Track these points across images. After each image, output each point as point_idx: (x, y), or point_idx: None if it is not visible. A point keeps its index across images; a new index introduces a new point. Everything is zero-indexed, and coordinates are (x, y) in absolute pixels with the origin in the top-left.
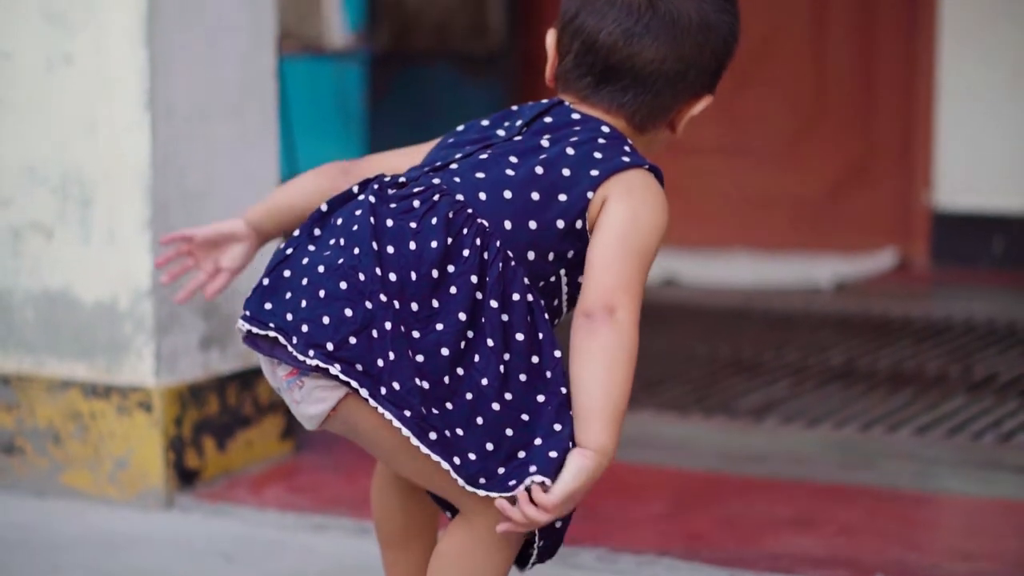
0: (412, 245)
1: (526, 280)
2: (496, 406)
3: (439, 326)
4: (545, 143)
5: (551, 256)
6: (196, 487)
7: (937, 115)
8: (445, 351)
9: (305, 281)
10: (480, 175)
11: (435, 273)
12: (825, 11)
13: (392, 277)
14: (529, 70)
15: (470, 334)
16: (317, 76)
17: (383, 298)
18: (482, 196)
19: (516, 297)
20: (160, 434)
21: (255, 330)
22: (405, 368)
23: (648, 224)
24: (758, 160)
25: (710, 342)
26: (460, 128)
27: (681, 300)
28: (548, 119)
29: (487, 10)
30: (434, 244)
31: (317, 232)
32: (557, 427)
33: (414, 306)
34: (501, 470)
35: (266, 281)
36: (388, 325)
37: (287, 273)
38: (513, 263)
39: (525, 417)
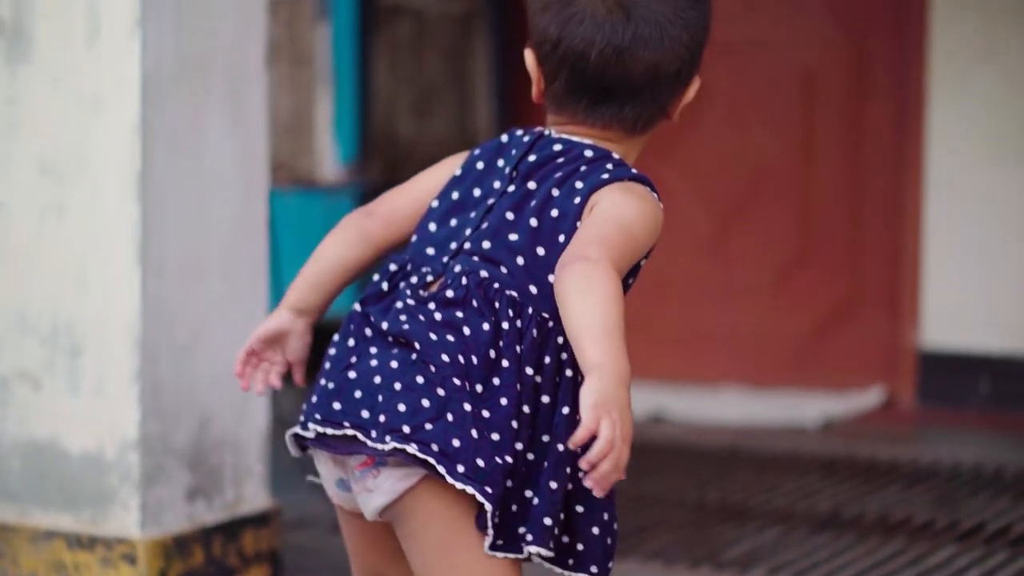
0: (466, 330)
1: (560, 339)
2: (523, 468)
3: (503, 400)
4: (532, 186)
5: (551, 278)
6: None
7: (924, 256)
8: (514, 423)
9: (378, 379)
10: (487, 245)
11: (492, 353)
12: (813, 152)
13: (460, 359)
14: None
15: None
16: (308, 209)
17: (456, 382)
18: (503, 269)
19: (547, 360)
20: None
21: (330, 431)
22: (487, 446)
23: (631, 206)
24: (746, 297)
25: (699, 486)
26: (458, 173)
27: (670, 438)
28: (532, 157)
29: (477, 143)
30: (486, 326)
31: (369, 332)
32: (553, 485)
33: (479, 388)
34: (521, 530)
35: (331, 385)
36: (467, 406)
37: (352, 375)
38: (551, 323)
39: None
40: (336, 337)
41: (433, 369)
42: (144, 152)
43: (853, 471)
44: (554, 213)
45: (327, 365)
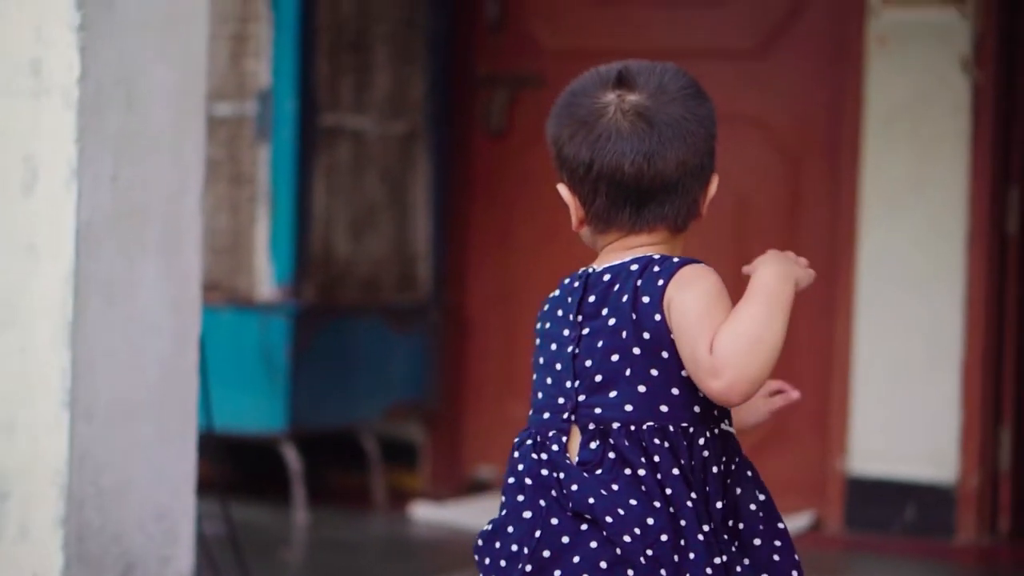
0: (643, 488)
1: (700, 440)
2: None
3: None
4: (612, 322)
5: (674, 391)
6: None
7: (853, 384)
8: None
9: (577, 559)
10: (583, 397)
11: (661, 491)
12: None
13: (650, 521)
14: (453, 321)
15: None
16: (242, 328)
17: (649, 552)
18: (628, 408)
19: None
20: None
21: None
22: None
23: (691, 299)
24: None
25: None
26: (537, 342)
27: None
28: (591, 297)
29: (416, 263)
30: (641, 472)
31: (543, 503)
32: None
33: (664, 538)
34: None
35: (528, 568)
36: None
37: (547, 554)
38: (691, 429)
39: None
40: (505, 512)
41: (627, 540)
42: (77, 300)
43: None
44: (646, 336)
45: (511, 541)
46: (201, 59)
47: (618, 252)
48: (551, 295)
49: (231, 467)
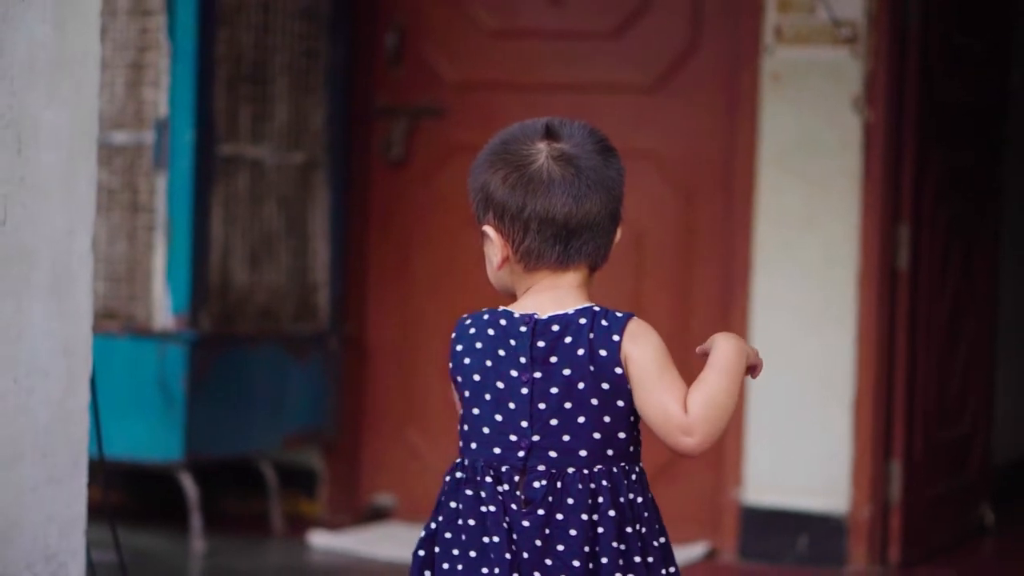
0: (572, 532)
1: (603, 482)
2: None
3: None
4: (567, 372)
5: (621, 435)
6: None
7: (747, 416)
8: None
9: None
10: (537, 438)
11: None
12: (641, 311)
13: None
14: (352, 350)
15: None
16: (139, 357)
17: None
18: (552, 453)
19: (601, 499)
20: None
21: None
22: None
23: (648, 353)
24: None
25: None
26: (477, 379)
27: None
28: (540, 343)
29: (315, 292)
30: (584, 517)
31: (487, 540)
32: None
33: None
34: None
35: None
36: None
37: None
38: (599, 469)
39: None
40: (476, 555)
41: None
42: None
43: None
44: (605, 386)
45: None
46: (93, 101)
47: (545, 293)
48: (478, 331)
49: (128, 495)
